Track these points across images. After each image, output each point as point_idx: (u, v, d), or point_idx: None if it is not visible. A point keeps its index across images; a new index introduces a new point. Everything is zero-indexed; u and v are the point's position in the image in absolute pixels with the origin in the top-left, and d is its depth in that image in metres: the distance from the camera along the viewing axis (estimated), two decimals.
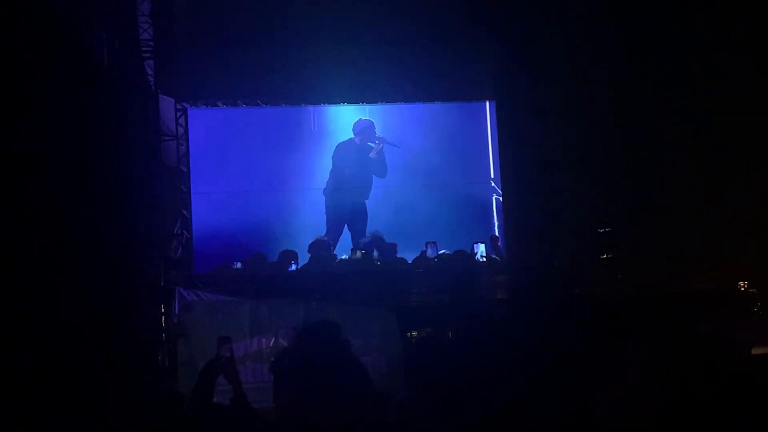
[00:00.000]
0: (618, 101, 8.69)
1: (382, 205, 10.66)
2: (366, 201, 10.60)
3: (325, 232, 10.18)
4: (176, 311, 7.75)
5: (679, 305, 7.25)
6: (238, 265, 9.37)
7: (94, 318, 5.81)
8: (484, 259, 9.43)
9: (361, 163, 10.55)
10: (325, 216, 10.46)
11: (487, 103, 10.93)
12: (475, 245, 9.56)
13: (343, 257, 9.73)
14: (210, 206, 10.28)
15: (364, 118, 10.63)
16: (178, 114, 9.90)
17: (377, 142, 10.49)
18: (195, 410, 4.02)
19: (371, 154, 10.51)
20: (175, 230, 9.36)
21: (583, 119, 8.88)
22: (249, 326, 7.81)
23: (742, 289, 7.74)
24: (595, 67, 8.73)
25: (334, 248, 10.01)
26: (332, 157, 10.62)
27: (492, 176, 10.92)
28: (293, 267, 9.28)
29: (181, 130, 9.90)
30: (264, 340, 7.82)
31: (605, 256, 8.32)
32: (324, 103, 10.68)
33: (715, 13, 8.00)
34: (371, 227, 10.30)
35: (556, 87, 9.00)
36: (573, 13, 8.57)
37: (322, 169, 10.65)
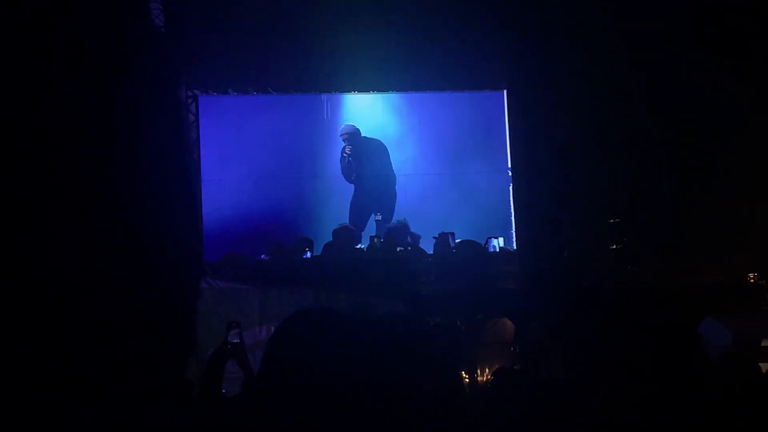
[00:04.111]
0: (630, 93, 8.66)
1: (399, 195, 10.62)
2: (393, 190, 10.50)
3: (347, 220, 10.14)
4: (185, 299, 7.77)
5: (688, 296, 7.24)
6: (263, 256, 9.34)
7: (112, 308, 5.84)
8: (497, 250, 9.23)
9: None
10: (349, 203, 10.44)
11: (505, 92, 10.86)
12: (490, 239, 9.33)
13: (361, 246, 9.67)
14: (220, 194, 10.31)
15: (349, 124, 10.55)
16: (189, 101, 9.91)
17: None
18: (204, 397, 4.04)
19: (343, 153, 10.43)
20: (185, 218, 9.38)
21: (595, 110, 8.85)
22: (259, 314, 7.82)
23: (752, 280, 7.72)
24: (608, 58, 8.69)
25: (359, 236, 9.96)
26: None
27: (509, 165, 10.83)
28: (308, 254, 9.26)
29: (191, 117, 9.91)
30: (273, 328, 7.82)
31: (615, 246, 8.29)
32: (337, 91, 10.64)
33: (726, 12, 7.99)
34: (396, 216, 10.19)
35: (571, 76, 8.96)
36: (588, 4, 8.54)
37: (333, 157, 10.64)
